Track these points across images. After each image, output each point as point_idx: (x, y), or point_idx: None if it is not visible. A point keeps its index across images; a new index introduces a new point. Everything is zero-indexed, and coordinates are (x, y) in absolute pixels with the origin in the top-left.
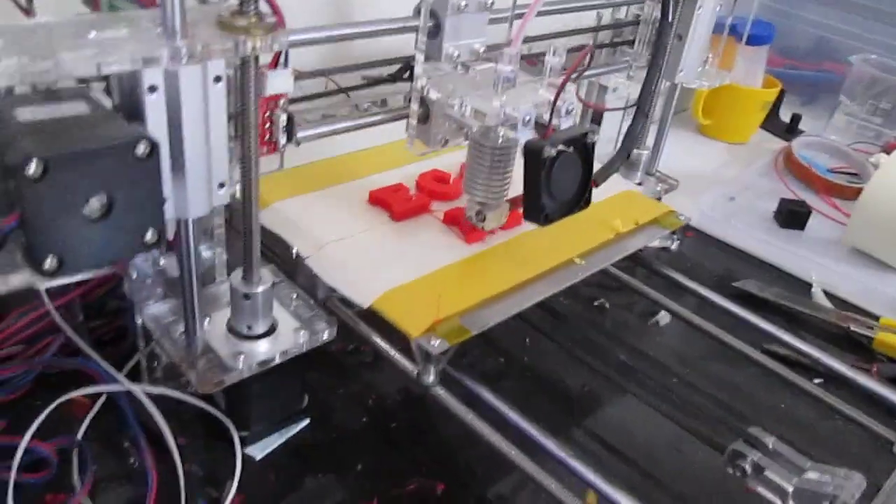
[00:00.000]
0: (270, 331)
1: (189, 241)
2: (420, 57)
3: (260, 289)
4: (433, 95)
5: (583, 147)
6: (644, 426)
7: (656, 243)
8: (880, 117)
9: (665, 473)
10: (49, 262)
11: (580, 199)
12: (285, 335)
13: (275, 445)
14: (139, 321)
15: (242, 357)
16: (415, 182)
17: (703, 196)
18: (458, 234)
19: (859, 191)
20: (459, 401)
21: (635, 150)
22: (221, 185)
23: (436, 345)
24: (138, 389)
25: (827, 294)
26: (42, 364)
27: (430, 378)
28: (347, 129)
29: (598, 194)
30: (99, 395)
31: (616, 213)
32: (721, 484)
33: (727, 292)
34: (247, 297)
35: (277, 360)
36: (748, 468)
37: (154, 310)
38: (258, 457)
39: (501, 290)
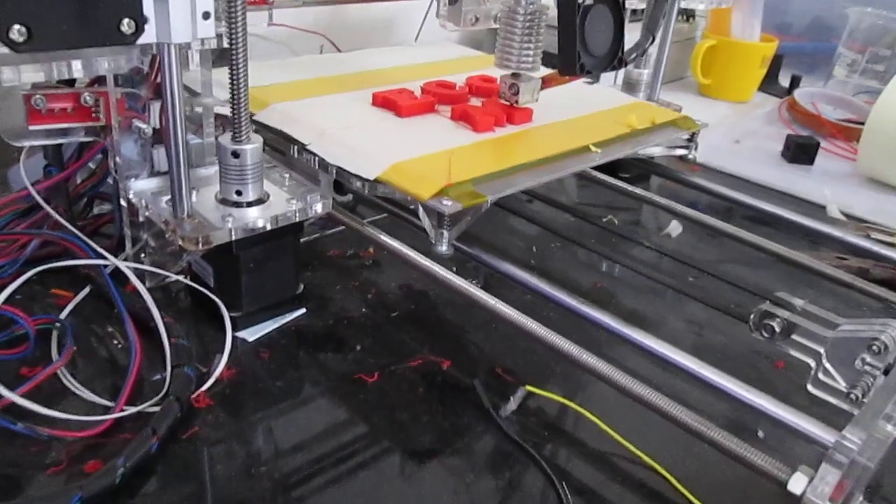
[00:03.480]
0: (261, 201)
1: (173, 75)
2: None
3: (248, 146)
4: None
5: (614, 3)
6: (661, 313)
7: (669, 150)
8: (882, 64)
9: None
10: (17, 31)
11: (614, 58)
12: (277, 205)
13: (268, 330)
14: (124, 202)
15: (231, 219)
16: (420, 88)
17: (706, 138)
18: (467, 126)
19: None
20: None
21: (636, 70)
22: (206, 16)
23: (448, 205)
24: (123, 265)
25: (842, 213)
26: (32, 236)
27: (443, 247)
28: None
29: (610, 102)
30: (83, 285)
31: (631, 115)
32: (745, 360)
33: (740, 214)
34: (235, 154)
35: (268, 226)
36: (776, 328)
37: (140, 185)
38: (250, 339)
39: (515, 164)
